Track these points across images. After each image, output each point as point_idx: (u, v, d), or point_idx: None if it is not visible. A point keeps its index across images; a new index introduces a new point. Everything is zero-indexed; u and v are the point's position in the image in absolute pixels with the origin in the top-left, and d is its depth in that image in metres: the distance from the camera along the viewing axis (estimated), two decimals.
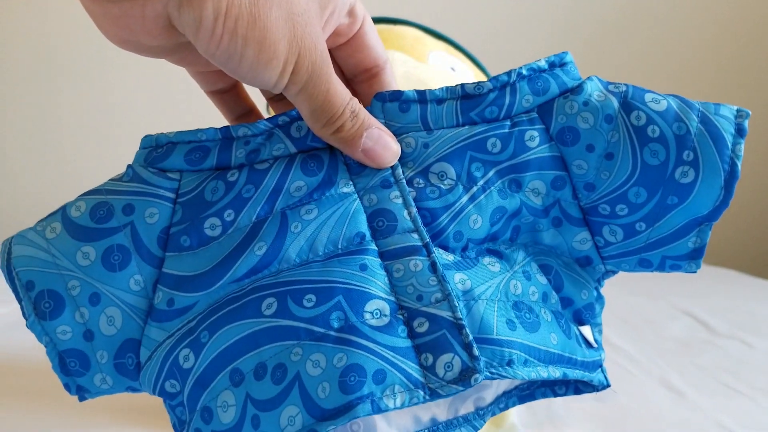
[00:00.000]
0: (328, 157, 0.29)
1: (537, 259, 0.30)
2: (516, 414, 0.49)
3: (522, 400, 0.31)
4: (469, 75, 0.50)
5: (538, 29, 1.36)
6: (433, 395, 0.24)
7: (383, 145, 0.28)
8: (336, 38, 0.30)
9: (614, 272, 0.31)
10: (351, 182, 0.29)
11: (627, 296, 0.90)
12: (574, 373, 0.28)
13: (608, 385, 0.30)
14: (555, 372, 0.27)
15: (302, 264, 0.27)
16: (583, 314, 0.30)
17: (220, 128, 0.29)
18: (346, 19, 0.29)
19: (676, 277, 1.02)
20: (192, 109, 1.01)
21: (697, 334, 0.74)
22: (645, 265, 0.30)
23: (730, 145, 0.28)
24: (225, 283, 0.27)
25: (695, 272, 0.29)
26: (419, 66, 0.47)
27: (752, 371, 0.62)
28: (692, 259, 0.29)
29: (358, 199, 0.28)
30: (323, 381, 0.24)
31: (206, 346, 0.26)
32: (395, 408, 0.24)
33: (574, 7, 1.36)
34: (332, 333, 0.25)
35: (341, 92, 0.27)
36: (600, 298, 0.31)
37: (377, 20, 0.54)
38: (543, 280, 0.29)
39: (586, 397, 0.54)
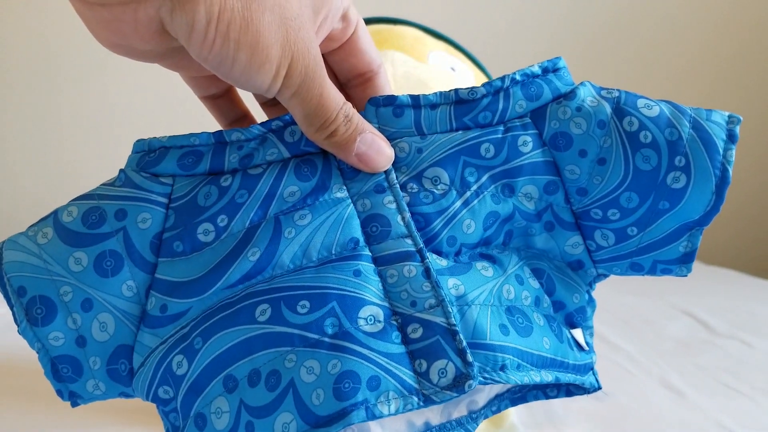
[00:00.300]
0: (321, 162, 0.29)
1: (529, 263, 0.30)
2: (515, 414, 0.49)
3: (514, 402, 0.31)
4: (469, 75, 0.50)
5: (539, 30, 1.36)
6: (427, 401, 0.24)
7: (377, 149, 0.28)
8: (329, 43, 0.30)
9: (605, 276, 0.31)
10: (345, 187, 0.29)
11: (627, 296, 0.90)
12: (566, 377, 0.28)
13: (599, 388, 0.30)
14: (547, 376, 0.27)
15: (296, 270, 0.27)
16: (574, 317, 0.31)
17: (213, 133, 0.29)
18: (339, 23, 0.29)
19: (675, 277, 1.02)
20: (192, 110, 1.01)
21: (697, 334, 0.74)
22: (636, 269, 0.30)
23: (721, 151, 0.28)
24: (218, 289, 0.27)
25: (686, 276, 0.30)
26: (419, 66, 0.47)
27: (752, 371, 0.62)
28: (683, 263, 0.30)
29: (351, 204, 0.28)
30: (317, 388, 0.24)
31: (200, 353, 0.26)
32: (389, 414, 0.24)
33: (574, 8, 1.36)
34: (326, 339, 0.25)
35: (334, 96, 0.27)
36: (591, 301, 0.31)
37: (378, 20, 0.54)
38: (535, 284, 0.30)
39: (586, 397, 0.54)
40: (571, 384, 0.30)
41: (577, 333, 0.31)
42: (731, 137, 0.28)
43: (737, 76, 1.42)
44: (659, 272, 0.30)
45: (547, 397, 0.31)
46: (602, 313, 0.82)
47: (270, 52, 0.24)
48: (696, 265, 1.17)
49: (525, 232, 0.30)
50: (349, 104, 0.28)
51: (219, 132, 0.29)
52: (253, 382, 0.25)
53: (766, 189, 1.46)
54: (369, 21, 0.54)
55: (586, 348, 0.30)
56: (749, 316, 0.80)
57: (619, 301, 0.87)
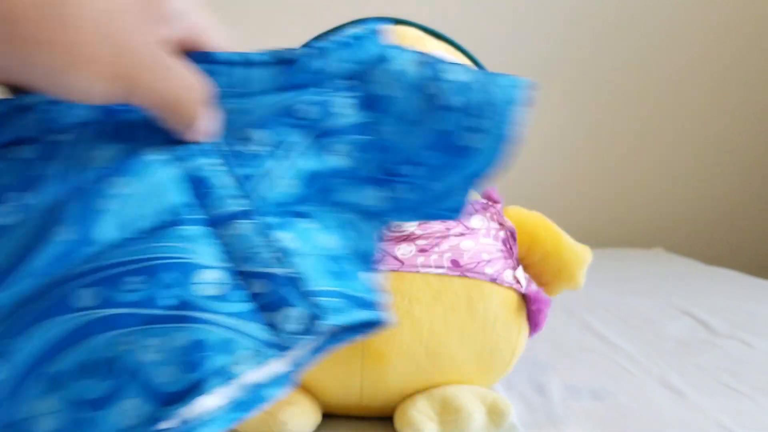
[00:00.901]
0: (141, 125, 0.27)
1: (341, 216, 0.31)
2: (515, 414, 0.49)
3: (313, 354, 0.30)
4: None
5: (538, 29, 1.36)
6: (283, 349, 0.24)
7: (205, 117, 0.27)
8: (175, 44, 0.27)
9: (399, 224, 0.34)
10: (166, 151, 0.27)
11: (626, 296, 0.90)
12: (374, 315, 0.29)
13: (390, 321, 0.31)
14: (365, 315, 0.28)
15: (116, 245, 0.24)
16: (373, 263, 0.32)
17: (7, 99, 0.25)
18: (178, 16, 0.26)
19: (675, 277, 1.02)
20: None
21: (697, 334, 0.74)
22: (424, 217, 0.33)
23: (507, 112, 0.30)
24: (23, 279, 0.23)
25: (454, 219, 0.34)
26: None
27: (752, 371, 0.62)
28: (457, 211, 0.33)
29: (174, 168, 0.27)
30: (163, 365, 0.22)
31: (14, 354, 0.23)
32: (248, 371, 0.23)
33: (573, 7, 1.36)
34: (164, 312, 0.23)
35: (185, 85, 0.26)
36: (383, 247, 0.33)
37: (378, 20, 0.54)
38: (347, 234, 0.31)
39: (586, 397, 0.54)
40: (366, 323, 0.31)
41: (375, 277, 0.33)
42: (517, 100, 0.31)
43: (737, 76, 1.42)
44: (435, 218, 0.33)
45: (339, 341, 0.31)
46: (602, 313, 0.82)
47: (90, 49, 0.21)
48: (696, 265, 1.17)
49: (338, 188, 0.31)
50: (195, 84, 0.26)
51: (16, 97, 0.26)
52: (84, 375, 0.22)
53: (766, 189, 1.46)
54: (369, 21, 0.54)
55: (381, 290, 0.32)
56: (749, 316, 0.81)
57: (619, 301, 0.87)
